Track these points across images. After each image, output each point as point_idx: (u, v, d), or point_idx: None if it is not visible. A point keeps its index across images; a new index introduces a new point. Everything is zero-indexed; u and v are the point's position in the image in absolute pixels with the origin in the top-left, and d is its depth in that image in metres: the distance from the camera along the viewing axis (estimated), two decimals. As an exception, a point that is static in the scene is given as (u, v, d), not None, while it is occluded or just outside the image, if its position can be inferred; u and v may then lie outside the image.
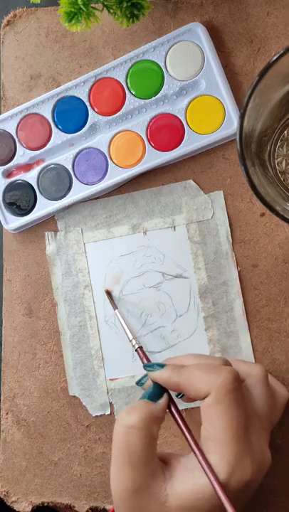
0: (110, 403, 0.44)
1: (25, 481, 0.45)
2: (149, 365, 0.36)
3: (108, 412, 0.44)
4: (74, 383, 0.44)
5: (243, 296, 0.43)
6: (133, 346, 0.40)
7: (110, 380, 0.44)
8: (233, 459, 0.31)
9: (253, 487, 0.32)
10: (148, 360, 0.39)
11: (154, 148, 0.43)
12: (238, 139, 0.31)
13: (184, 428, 0.34)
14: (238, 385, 0.32)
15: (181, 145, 0.42)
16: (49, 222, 0.45)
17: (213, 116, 0.42)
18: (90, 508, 0.44)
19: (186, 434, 0.33)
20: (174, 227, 0.44)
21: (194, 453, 0.32)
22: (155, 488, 0.32)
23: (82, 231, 0.45)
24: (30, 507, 0.45)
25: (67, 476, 0.44)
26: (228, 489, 0.31)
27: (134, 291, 0.44)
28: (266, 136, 0.38)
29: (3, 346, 0.46)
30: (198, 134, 0.42)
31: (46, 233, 0.45)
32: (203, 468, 0.31)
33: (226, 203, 0.43)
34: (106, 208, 0.45)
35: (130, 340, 0.41)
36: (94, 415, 0.44)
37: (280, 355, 0.42)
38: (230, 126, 0.42)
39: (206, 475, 0.31)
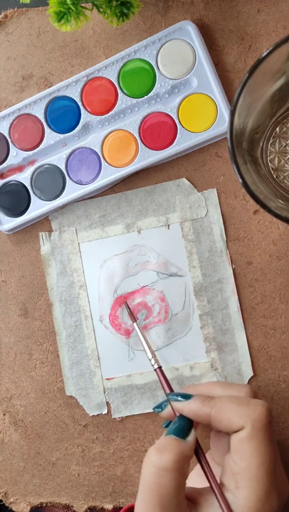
0: (107, 402, 0.44)
1: (23, 481, 0.45)
2: (173, 395, 0.35)
3: (105, 411, 0.44)
4: (70, 383, 0.44)
5: (238, 294, 0.43)
6: (152, 366, 0.39)
7: (107, 379, 0.44)
8: (264, 495, 0.30)
9: None
10: (167, 382, 0.38)
11: (147, 147, 0.43)
12: (228, 137, 0.31)
13: (208, 472, 0.33)
14: (271, 419, 0.32)
15: (174, 143, 0.42)
16: (43, 222, 0.45)
17: (206, 114, 0.42)
18: (89, 508, 0.44)
19: (211, 480, 0.32)
20: (168, 225, 0.44)
21: (217, 499, 0.31)
22: None
23: (77, 231, 0.45)
24: (29, 508, 0.45)
25: (65, 476, 0.44)
26: None
27: (128, 290, 0.44)
28: (258, 134, 0.38)
29: (-1, 347, 0.46)
30: (190, 132, 0.42)
31: (40, 233, 0.45)
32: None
33: (219, 201, 0.43)
34: (100, 207, 0.45)
35: (149, 360, 0.39)
36: (91, 415, 0.44)
37: (275, 352, 0.42)
38: (223, 123, 0.42)
39: None
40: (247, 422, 0.31)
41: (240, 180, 0.31)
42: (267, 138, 0.39)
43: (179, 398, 0.34)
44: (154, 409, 0.37)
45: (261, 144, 0.39)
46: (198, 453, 0.34)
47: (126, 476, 0.44)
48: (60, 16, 0.33)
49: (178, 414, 0.35)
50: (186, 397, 0.34)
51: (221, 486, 0.32)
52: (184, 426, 0.33)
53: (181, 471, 0.31)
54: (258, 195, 0.31)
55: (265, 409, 0.32)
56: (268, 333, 0.42)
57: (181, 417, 0.34)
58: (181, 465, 0.31)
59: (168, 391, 0.37)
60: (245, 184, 0.31)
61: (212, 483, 0.32)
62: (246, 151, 0.36)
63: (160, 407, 0.36)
